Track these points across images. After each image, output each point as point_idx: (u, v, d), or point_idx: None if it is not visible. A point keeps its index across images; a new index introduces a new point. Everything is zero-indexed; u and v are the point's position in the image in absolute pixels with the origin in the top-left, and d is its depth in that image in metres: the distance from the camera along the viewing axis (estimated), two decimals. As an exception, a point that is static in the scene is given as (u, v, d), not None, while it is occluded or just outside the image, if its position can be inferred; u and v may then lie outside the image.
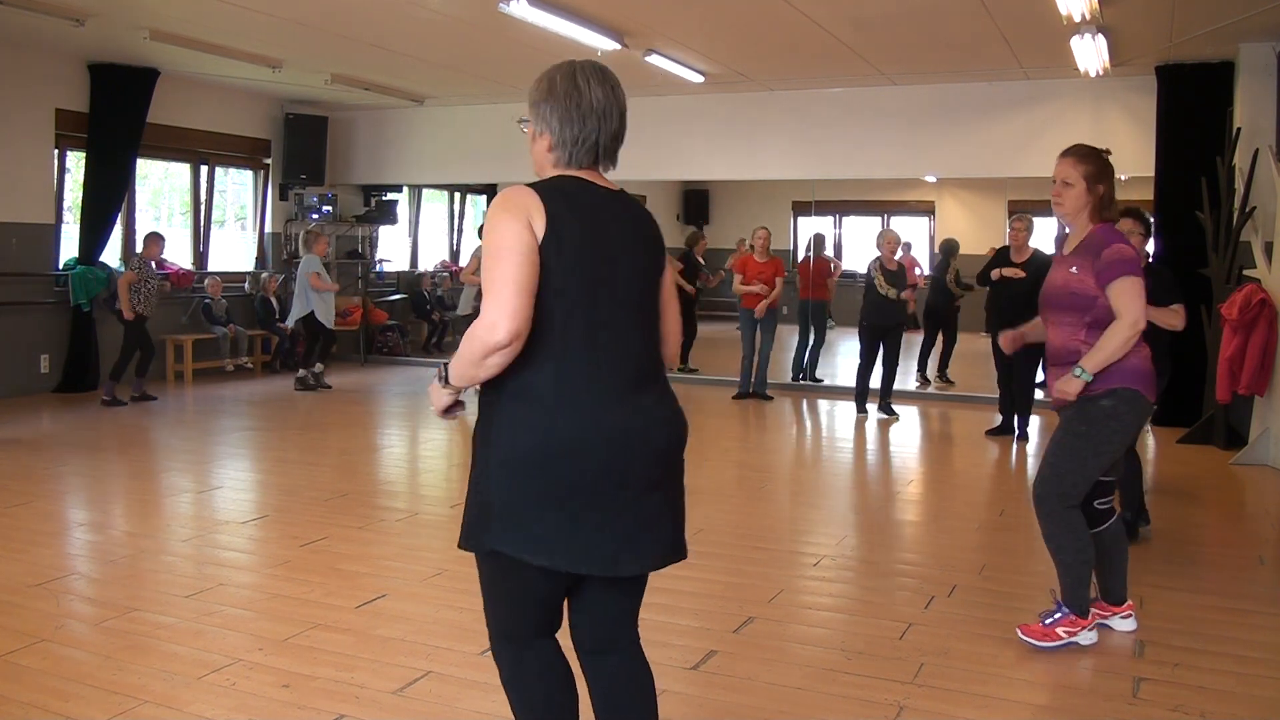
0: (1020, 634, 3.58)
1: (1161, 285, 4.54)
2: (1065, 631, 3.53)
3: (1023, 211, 8.31)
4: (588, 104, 2.13)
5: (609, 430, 2.06)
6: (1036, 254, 7.46)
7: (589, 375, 2.06)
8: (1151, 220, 4.69)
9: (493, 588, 2.21)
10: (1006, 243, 8.02)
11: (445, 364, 2.14)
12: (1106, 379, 3.39)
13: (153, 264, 8.90)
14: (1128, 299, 3.34)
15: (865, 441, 8.11)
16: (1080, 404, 3.43)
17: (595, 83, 2.15)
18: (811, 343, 10.53)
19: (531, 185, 2.10)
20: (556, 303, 2.04)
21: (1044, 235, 10.14)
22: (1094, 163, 3.47)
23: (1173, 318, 4.58)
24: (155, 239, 8.94)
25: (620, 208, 2.18)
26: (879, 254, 8.68)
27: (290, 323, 10.23)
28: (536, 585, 2.15)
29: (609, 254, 2.11)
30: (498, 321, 1.96)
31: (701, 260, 11.25)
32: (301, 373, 9.88)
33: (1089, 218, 3.50)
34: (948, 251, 10.45)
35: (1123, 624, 3.72)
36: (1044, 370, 3.83)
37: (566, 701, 2.25)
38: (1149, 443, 7.67)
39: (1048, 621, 3.55)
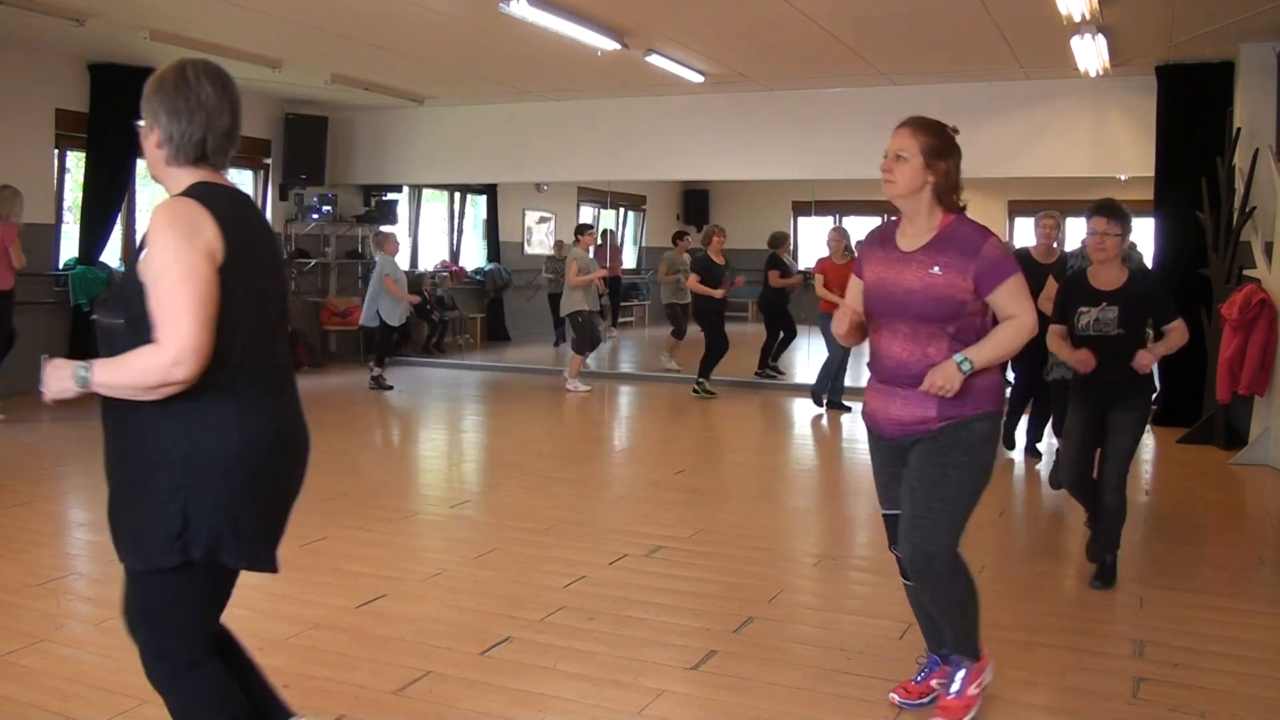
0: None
1: (1155, 306, 4.19)
2: (977, 688, 3.03)
3: (1026, 211, 8.07)
4: (195, 100, 2.08)
5: (299, 429, 2.23)
6: (1064, 256, 7.13)
7: (268, 379, 2.15)
8: (1130, 214, 4.18)
9: (183, 602, 2.13)
10: (1023, 244, 7.76)
11: (86, 365, 2.06)
12: (979, 400, 2.89)
13: None
14: (1022, 299, 2.89)
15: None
16: (952, 432, 2.90)
17: (205, 79, 2.10)
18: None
19: (198, 200, 2.03)
20: (235, 313, 2.04)
21: (1071, 236, 10.07)
22: (934, 135, 2.89)
23: (1176, 339, 4.16)
24: None
25: (259, 215, 2.22)
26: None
27: (367, 322, 10.31)
28: (229, 586, 2.22)
29: (264, 264, 2.16)
30: (183, 359, 1.93)
31: (786, 261, 10.80)
32: (376, 372, 10.18)
33: (930, 201, 2.92)
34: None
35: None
36: (882, 384, 3.01)
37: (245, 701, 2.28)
38: (1149, 443, 7.66)
39: (955, 689, 2.99)
